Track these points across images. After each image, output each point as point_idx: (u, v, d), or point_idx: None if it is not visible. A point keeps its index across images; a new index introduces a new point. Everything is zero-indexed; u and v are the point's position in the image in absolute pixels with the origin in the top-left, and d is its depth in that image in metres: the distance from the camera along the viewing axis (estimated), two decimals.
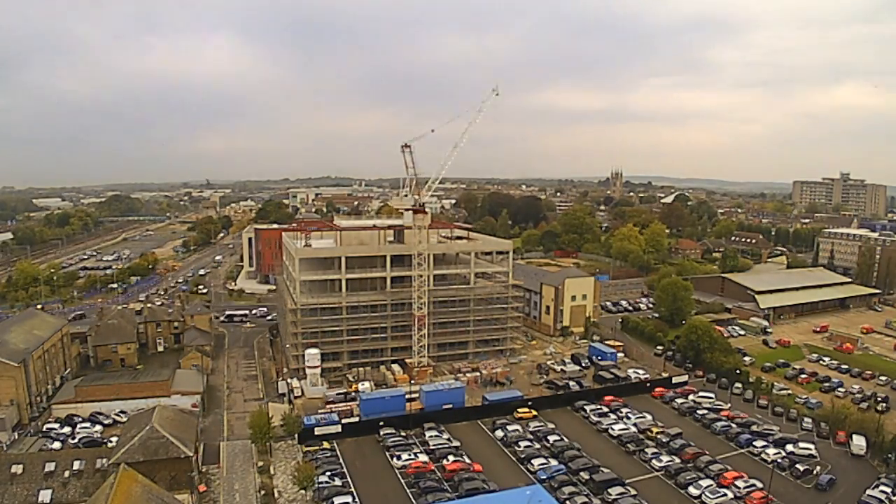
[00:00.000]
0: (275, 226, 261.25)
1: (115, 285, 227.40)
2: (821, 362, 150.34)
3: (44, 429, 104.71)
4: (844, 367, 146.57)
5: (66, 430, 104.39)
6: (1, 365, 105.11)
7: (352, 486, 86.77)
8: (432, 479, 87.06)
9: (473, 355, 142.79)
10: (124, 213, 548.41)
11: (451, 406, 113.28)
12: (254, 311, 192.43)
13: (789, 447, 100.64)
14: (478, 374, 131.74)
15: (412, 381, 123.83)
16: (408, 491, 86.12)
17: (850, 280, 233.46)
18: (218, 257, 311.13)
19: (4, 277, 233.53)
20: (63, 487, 75.86)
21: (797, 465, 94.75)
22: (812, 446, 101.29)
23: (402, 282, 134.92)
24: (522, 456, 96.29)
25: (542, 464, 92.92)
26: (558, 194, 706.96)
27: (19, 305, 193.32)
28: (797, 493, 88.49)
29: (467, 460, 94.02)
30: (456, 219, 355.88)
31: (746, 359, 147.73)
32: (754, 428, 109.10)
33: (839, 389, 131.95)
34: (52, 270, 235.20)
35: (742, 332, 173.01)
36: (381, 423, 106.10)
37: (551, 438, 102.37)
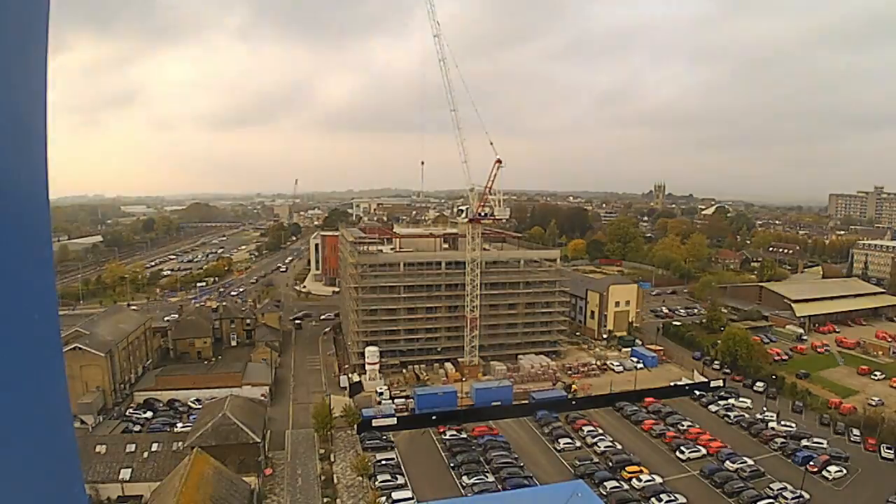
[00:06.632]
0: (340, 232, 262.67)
1: (202, 283, 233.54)
2: (854, 368, 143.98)
3: (126, 413, 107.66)
4: (877, 373, 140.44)
5: (147, 414, 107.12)
6: (90, 355, 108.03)
7: (405, 474, 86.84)
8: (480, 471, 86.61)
9: (520, 356, 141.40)
10: (203, 220, 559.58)
11: (499, 403, 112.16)
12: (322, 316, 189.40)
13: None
14: (523, 373, 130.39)
15: (463, 379, 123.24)
16: (456, 481, 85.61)
17: (883, 290, 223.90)
18: (287, 259, 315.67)
19: (95, 276, 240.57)
20: (142, 466, 77.66)
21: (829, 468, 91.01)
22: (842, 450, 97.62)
23: (455, 287, 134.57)
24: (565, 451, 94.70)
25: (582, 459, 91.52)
26: (603, 205, 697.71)
27: (107, 303, 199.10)
28: (826, 496, 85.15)
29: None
30: (507, 228, 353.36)
31: (781, 361, 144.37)
32: (783, 428, 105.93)
33: (871, 396, 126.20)
34: (137, 271, 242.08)
35: (775, 339, 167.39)
36: (434, 417, 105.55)
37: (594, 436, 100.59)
